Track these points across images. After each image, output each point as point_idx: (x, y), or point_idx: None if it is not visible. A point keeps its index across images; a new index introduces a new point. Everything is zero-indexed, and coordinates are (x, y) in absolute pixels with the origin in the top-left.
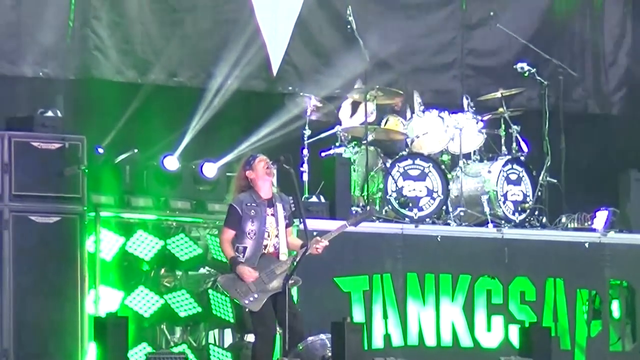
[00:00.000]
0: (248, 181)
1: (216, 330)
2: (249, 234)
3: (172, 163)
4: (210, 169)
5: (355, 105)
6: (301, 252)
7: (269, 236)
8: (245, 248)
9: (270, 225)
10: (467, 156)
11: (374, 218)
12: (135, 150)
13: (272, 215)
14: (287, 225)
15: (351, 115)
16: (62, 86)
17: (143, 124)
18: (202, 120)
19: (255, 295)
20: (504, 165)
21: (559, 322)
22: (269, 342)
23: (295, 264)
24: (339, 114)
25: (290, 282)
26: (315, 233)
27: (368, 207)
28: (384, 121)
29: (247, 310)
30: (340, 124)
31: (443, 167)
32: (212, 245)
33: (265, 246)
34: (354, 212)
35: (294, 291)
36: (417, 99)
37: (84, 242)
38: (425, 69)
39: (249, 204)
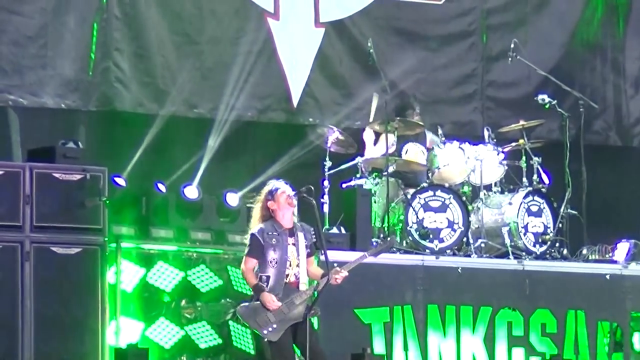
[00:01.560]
0: (269, 211)
1: None
2: (271, 262)
3: (192, 192)
4: (233, 199)
5: (377, 135)
6: (323, 282)
7: (290, 265)
8: (268, 277)
9: (292, 255)
10: (488, 188)
11: (395, 249)
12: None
13: (294, 244)
14: (309, 255)
15: (374, 144)
16: (83, 117)
17: (163, 154)
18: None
19: (275, 326)
20: (524, 197)
21: (580, 354)
22: None
23: (317, 294)
24: (365, 138)
25: (310, 312)
26: (335, 264)
27: (389, 238)
28: (404, 150)
29: (265, 340)
30: (362, 155)
31: (464, 198)
32: (233, 276)
33: (287, 275)
34: (374, 243)
35: (315, 322)
36: (431, 136)
37: (105, 273)
38: (446, 101)
39: (270, 233)
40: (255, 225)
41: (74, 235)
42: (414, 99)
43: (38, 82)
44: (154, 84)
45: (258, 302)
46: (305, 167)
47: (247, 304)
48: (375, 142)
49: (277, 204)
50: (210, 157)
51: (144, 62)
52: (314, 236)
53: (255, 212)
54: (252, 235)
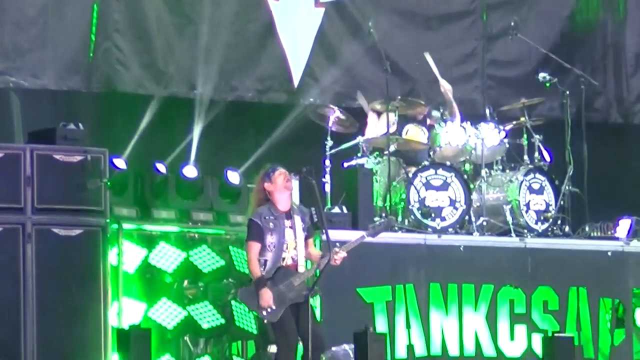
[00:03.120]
0: (266, 193)
1: (239, 342)
2: (269, 246)
3: (191, 171)
4: (234, 177)
5: (379, 115)
6: (323, 262)
7: (287, 248)
8: (266, 261)
9: (289, 238)
10: (490, 166)
11: (396, 228)
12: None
13: (291, 227)
14: (307, 237)
15: (376, 124)
16: (84, 99)
17: (164, 135)
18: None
19: (273, 307)
20: (526, 175)
21: (582, 331)
22: (291, 352)
23: (318, 273)
24: (369, 119)
25: (311, 292)
26: (337, 244)
27: (387, 218)
28: (404, 131)
29: (265, 322)
30: (362, 135)
31: (465, 177)
32: (235, 257)
33: (284, 259)
34: (373, 223)
35: (317, 302)
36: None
37: (107, 254)
38: (447, 80)
39: (267, 217)
40: (253, 210)
41: (75, 216)
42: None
43: (39, 64)
44: (154, 65)
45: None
46: (306, 147)
47: (247, 287)
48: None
49: (274, 186)
50: (208, 137)
51: (144, 44)
52: (315, 215)
53: (252, 197)
54: (251, 220)
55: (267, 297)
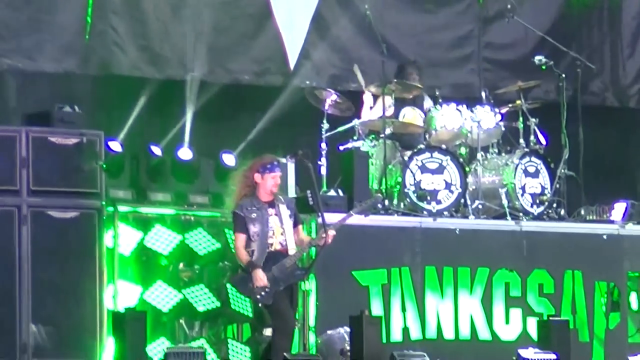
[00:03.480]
0: (253, 182)
1: (235, 325)
2: (252, 236)
3: (186, 153)
4: (229, 159)
5: (375, 98)
6: (315, 244)
7: (274, 234)
8: (253, 251)
9: (275, 224)
10: (485, 149)
11: (392, 210)
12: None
13: (276, 215)
14: (295, 224)
15: (371, 108)
16: (80, 81)
17: (161, 118)
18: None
19: (267, 290)
20: (522, 158)
21: (578, 314)
22: (287, 335)
23: (314, 257)
24: (365, 98)
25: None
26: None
27: (374, 196)
28: (401, 115)
29: (260, 305)
30: (359, 118)
31: (461, 160)
32: (230, 239)
33: (271, 244)
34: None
35: (313, 285)
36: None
37: (102, 237)
38: (443, 63)
39: (249, 208)
40: (236, 203)
41: (71, 199)
42: (414, 64)
43: (35, 46)
44: (150, 47)
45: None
46: (302, 130)
47: (237, 275)
48: (374, 105)
49: (263, 182)
50: (203, 119)
51: (140, 26)
52: (311, 198)
53: (238, 182)
54: (234, 213)
55: (259, 276)
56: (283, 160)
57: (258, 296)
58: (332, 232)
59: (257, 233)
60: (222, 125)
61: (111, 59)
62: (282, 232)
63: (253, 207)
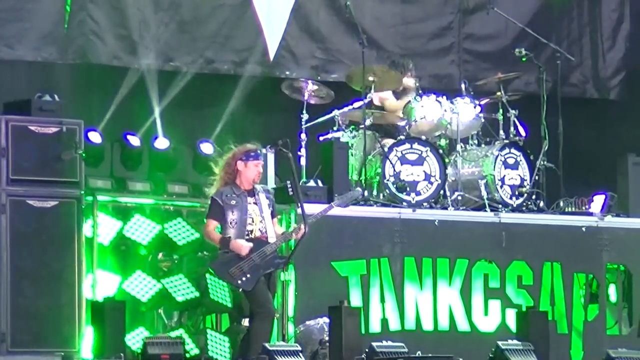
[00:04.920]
0: (234, 169)
1: (213, 315)
2: (230, 223)
3: (162, 143)
4: (207, 147)
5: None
6: (295, 234)
7: (253, 221)
8: (229, 238)
9: (254, 212)
10: (465, 140)
11: (372, 201)
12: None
13: (255, 203)
14: (272, 216)
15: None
16: (60, 70)
17: (140, 108)
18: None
19: (248, 275)
20: (501, 150)
21: (556, 306)
22: (266, 322)
23: (293, 247)
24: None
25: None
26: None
27: (353, 189)
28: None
29: (241, 291)
30: (339, 108)
31: (441, 151)
32: None
33: (251, 231)
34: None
35: (291, 275)
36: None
37: (82, 226)
38: (423, 54)
39: (229, 195)
40: (215, 189)
41: (50, 188)
42: (406, 60)
43: (15, 34)
44: (129, 36)
45: (228, 255)
46: (282, 120)
47: (217, 260)
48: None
49: (245, 169)
50: (181, 109)
51: (119, 15)
52: (290, 188)
53: (220, 169)
54: (212, 198)
55: (241, 244)
56: (263, 150)
57: (239, 281)
58: (299, 226)
59: (235, 220)
60: (200, 114)
61: (89, 48)
62: (262, 219)
63: (233, 195)
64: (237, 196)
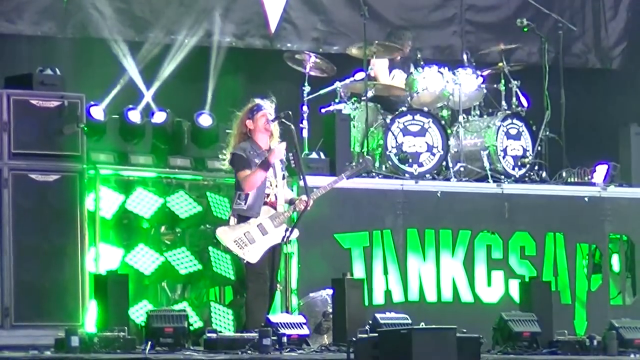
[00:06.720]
0: (247, 130)
1: (217, 288)
2: None
3: (160, 117)
4: (205, 119)
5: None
6: (299, 208)
7: (270, 185)
8: (247, 195)
9: (271, 175)
10: (467, 111)
11: (373, 173)
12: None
13: (272, 166)
14: (282, 177)
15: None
16: (61, 44)
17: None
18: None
19: (255, 244)
20: (503, 120)
21: (559, 276)
22: (261, 296)
23: (296, 220)
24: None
25: (290, 234)
26: (315, 190)
27: (364, 159)
28: (391, 76)
29: (244, 262)
30: (340, 80)
31: (443, 122)
32: (212, 202)
33: (268, 195)
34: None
35: (294, 248)
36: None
37: (84, 200)
38: (425, 25)
39: (251, 152)
40: (235, 145)
41: (52, 162)
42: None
43: (14, 9)
44: (129, 10)
45: (237, 225)
46: (284, 93)
47: (224, 225)
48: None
49: (254, 125)
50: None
51: None
52: (293, 161)
53: (234, 130)
54: (234, 153)
55: (279, 148)
56: (264, 101)
57: (244, 252)
58: (304, 197)
59: None
60: (199, 87)
61: (89, 22)
62: (276, 184)
63: (254, 152)
64: (257, 155)
